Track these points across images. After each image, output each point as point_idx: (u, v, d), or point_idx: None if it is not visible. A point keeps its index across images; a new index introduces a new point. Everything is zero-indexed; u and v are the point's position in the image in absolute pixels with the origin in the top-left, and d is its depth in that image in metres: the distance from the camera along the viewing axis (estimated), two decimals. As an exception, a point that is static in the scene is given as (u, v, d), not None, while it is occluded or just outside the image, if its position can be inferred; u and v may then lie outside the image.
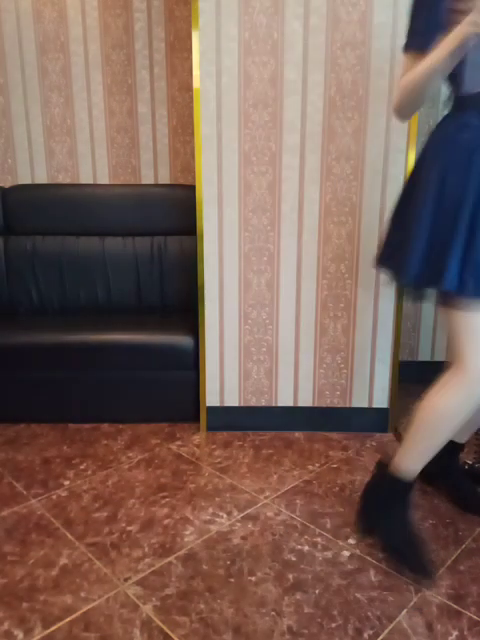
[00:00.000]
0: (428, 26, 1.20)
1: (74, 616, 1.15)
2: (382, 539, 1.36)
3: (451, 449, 1.51)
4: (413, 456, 1.30)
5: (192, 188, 2.13)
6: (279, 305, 1.94)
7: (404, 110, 1.29)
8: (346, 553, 1.36)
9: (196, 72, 1.76)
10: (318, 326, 1.96)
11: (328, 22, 1.73)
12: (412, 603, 1.19)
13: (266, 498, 1.59)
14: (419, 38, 1.22)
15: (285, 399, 2.02)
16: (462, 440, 1.54)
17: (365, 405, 2.02)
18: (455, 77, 1.21)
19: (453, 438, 1.49)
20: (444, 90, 1.30)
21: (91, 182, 2.58)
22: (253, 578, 1.27)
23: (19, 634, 1.11)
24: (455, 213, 1.15)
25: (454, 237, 1.14)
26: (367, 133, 1.79)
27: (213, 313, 1.95)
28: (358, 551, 1.36)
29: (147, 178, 2.58)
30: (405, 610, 1.17)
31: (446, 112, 1.25)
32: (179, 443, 1.94)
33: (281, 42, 1.75)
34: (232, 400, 2.02)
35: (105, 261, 2.38)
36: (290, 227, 1.88)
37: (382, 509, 1.35)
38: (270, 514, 1.52)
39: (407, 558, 1.29)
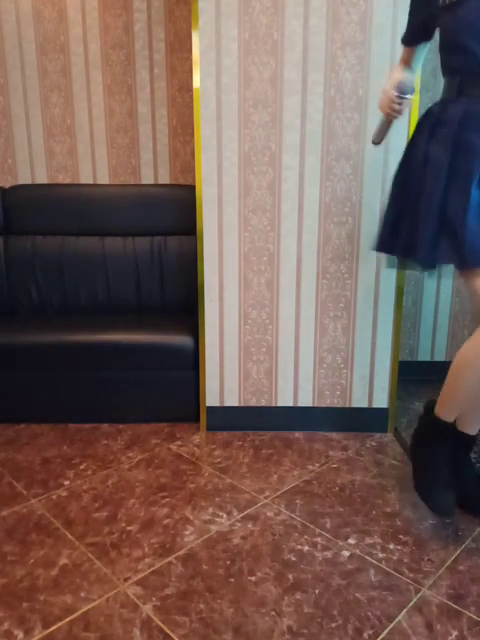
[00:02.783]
0: (415, 23, 1.41)
1: (74, 616, 1.15)
2: (418, 471, 1.48)
3: (460, 440, 1.49)
4: (446, 400, 1.42)
5: (192, 188, 2.14)
6: (279, 305, 1.95)
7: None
8: (346, 553, 1.36)
9: (196, 72, 1.76)
10: (318, 326, 1.96)
11: (328, 22, 1.73)
12: (412, 603, 1.19)
13: (266, 498, 1.59)
14: (407, 34, 1.46)
15: (285, 399, 2.02)
16: (473, 431, 1.51)
17: (365, 405, 2.02)
18: None
19: (463, 428, 1.47)
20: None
21: (91, 182, 2.58)
22: (253, 578, 1.27)
23: (19, 634, 1.11)
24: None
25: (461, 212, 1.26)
26: (367, 133, 1.79)
27: (213, 313, 1.95)
28: (358, 551, 1.36)
29: (147, 178, 2.58)
30: (405, 610, 1.17)
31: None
32: (179, 443, 1.94)
33: (281, 42, 1.75)
34: (232, 400, 2.03)
35: (105, 261, 2.38)
36: (290, 227, 1.88)
37: (424, 446, 1.48)
38: (270, 514, 1.52)
39: (431, 494, 1.42)
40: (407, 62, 1.50)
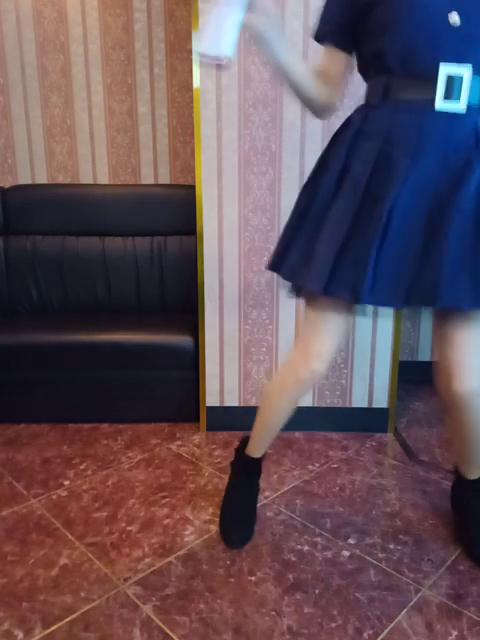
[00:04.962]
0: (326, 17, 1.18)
1: (74, 616, 1.15)
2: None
3: (459, 483, 1.41)
4: (253, 434, 1.43)
5: (192, 188, 2.14)
6: (279, 305, 1.94)
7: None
8: (346, 553, 1.36)
9: (196, 72, 1.76)
10: (318, 326, 1.96)
11: (328, 22, 1.72)
12: (412, 603, 1.19)
13: (266, 498, 1.59)
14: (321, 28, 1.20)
15: (285, 399, 2.02)
16: (469, 475, 1.37)
17: (365, 405, 2.02)
18: None
19: (460, 470, 1.38)
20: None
21: (91, 182, 2.58)
22: (253, 578, 1.27)
23: (19, 634, 1.11)
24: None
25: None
26: (367, 133, 1.79)
27: (213, 313, 1.95)
28: (358, 551, 1.36)
29: (147, 178, 2.58)
30: (405, 610, 1.17)
31: None
32: (179, 443, 1.95)
33: None
34: (232, 400, 2.03)
35: (105, 261, 2.38)
36: (290, 227, 1.87)
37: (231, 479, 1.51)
38: (270, 514, 1.52)
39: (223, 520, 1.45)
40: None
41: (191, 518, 1.50)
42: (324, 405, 2.03)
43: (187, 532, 1.44)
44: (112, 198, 2.37)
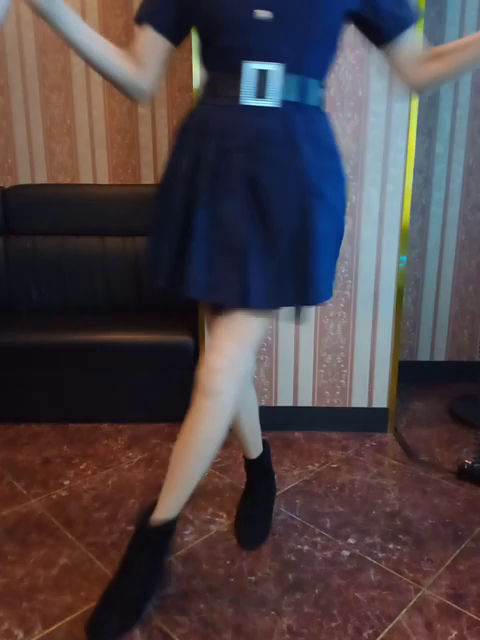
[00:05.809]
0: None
1: (74, 616, 1.15)
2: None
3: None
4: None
5: (192, 188, 2.13)
6: (279, 305, 1.94)
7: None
8: (346, 553, 1.36)
9: (196, 72, 1.76)
10: (318, 326, 1.96)
11: (328, 22, 1.73)
12: (412, 603, 1.19)
13: (266, 498, 1.59)
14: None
15: (285, 399, 2.03)
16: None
17: (365, 405, 2.02)
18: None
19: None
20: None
21: (91, 182, 2.58)
22: (253, 578, 1.27)
23: (19, 634, 1.11)
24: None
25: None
26: (367, 133, 1.80)
27: (213, 313, 1.95)
28: (358, 551, 1.37)
29: (147, 178, 2.58)
30: (405, 610, 1.17)
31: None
32: (179, 443, 1.94)
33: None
34: (232, 400, 2.02)
35: (105, 261, 2.38)
36: (290, 227, 1.87)
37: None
38: (270, 514, 1.52)
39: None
40: None
41: (191, 518, 1.50)
42: (324, 405, 2.03)
43: (187, 532, 1.44)
44: (112, 198, 2.37)
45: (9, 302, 2.41)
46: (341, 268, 1.90)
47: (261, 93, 1.02)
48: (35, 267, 2.39)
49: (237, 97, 1.03)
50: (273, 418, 2.02)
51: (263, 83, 1.02)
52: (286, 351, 1.98)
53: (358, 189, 1.84)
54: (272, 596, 1.21)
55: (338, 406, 2.03)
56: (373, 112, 1.78)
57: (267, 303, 1.04)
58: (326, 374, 2.00)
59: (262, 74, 1.01)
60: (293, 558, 1.34)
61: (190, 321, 2.11)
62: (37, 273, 2.39)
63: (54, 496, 1.61)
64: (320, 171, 1.05)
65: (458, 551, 1.37)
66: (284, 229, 1.03)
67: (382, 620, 1.14)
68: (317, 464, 1.80)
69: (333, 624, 1.13)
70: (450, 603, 1.19)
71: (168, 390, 2.06)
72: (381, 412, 2.02)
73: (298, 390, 2.02)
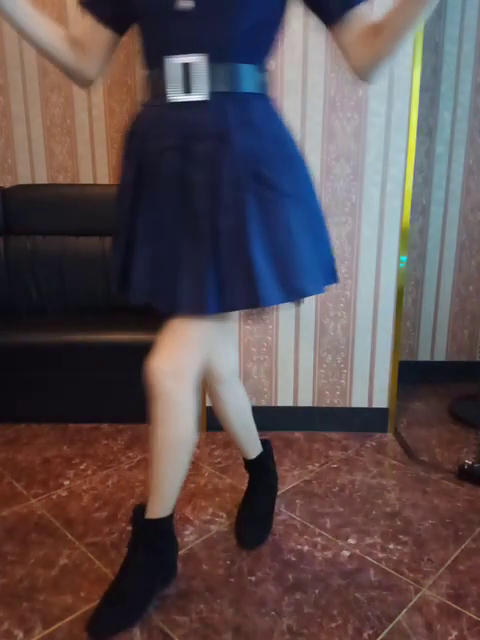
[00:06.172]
0: None
1: (74, 616, 1.15)
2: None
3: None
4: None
5: (192, 188, 2.13)
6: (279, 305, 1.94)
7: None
8: (346, 553, 1.36)
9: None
10: (318, 326, 1.96)
11: (328, 22, 1.72)
12: (412, 603, 1.19)
13: (266, 498, 1.59)
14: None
15: (285, 399, 2.02)
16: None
17: (365, 405, 2.02)
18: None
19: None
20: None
21: (91, 182, 2.58)
22: (253, 578, 1.27)
23: (19, 634, 1.11)
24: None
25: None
26: (367, 133, 1.80)
27: (213, 313, 1.95)
28: (358, 551, 1.36)
29: (147, 178, 2.57)
30: (405, 610, 1.17)
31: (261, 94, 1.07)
32: (179, 443, 1.94)
33: (281, 42, 1.74)
34: (232, 400, 2.02)
35: (105, 261, 2.38)
36: (290, 227, 1.87)
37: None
38: (270, 514, 1.52)
39: None
40: None
41: (191, 518, 1.50)
42: (324, 405, 2.03)
43: (187, 532, 1.44)
44: (112, 198, 2.36)
45: (9, 302, 2.40)
46: (341, 268, 1.90)
47: (187, 88, 0.98)
48: (35, 267, 2.38)
49: (165, 95, 0.99)
50: (273, 418, 2.02)
51: (188, 77, 0.97)
52: (286, 351, 1.98)
53: (358, 189, 1.84)
54: (272, 596, 1.21)
55: (338, 406, 2.03)
56: (373, 112, 1.78)
57: (206, 309, 0.99)
58: (326, 374, 2.00)
59: (185, 68, 0.97)
60: (293, 558, 1.34)
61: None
62: (37, 273, 2.38)
63: (54, 496, 1.61)
64: (263, 159, 0.99)
65: (458, 551, 1.37)
66: (220, 227, 0.97)
67: (382, 620, 1.14)
68: (317, 464, 1.80)
69: (333, 624, 1.13)
70: (450, 603, 1.19)
71: (168, 390, 2.06)
72: (381, 412, 2.02)
73: (298, 390, 2.02)
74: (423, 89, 2.28)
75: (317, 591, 1.23)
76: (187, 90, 0.98)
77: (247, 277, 0.97)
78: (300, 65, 1.76)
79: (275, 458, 1.82)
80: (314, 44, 1.74)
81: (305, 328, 1.96)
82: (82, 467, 1.77)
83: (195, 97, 0.98)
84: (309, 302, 1.93)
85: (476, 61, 2.28)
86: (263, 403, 2.02)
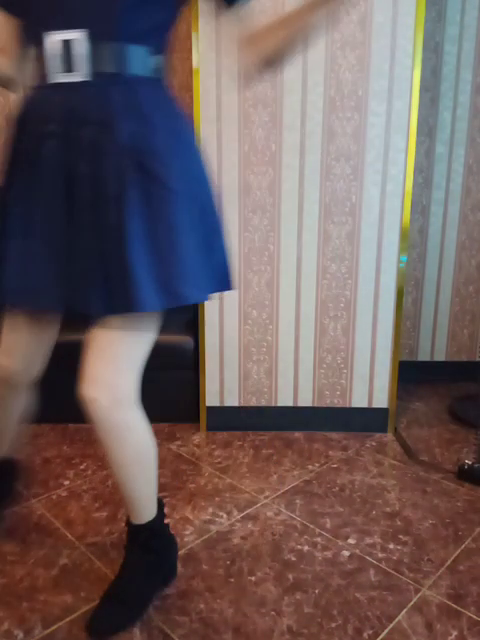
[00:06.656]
0: None
1: (74, 616, 1.15)
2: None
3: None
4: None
5: (192, 188, 2.13)
6: (279, 305, 1.94)
7: None
8: (346, 553, 1.36)
9: (196, 72, 1.76)
10: (318, 326, 1.96)
11: (328, 22, 1.73)
12: (412, 603, 1.19)
13: (266, 498, 1.59)
14: None
15: (285, 399, 2.02)
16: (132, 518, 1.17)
17: (365, 405, 2.02)
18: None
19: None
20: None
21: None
22: (253, 578, 1.27)
23: (19, 634, 1.11)
24: None
25: None
26: (367, 133, 1.80)
27: (213, 313, 1.95)
28: (358, 551, 1.36)
29: (147, 178, 2.57)
30: (405, 610, 1.17)
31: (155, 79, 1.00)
32: (179, 443, 1.94)
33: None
34: (232, 400, 2.03)
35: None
36: (290, 227, 1.88)
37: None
38: (270, 514, 1.52)
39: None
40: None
41: (191, 518, 1.50)
42: (324, 405, 2.03)
43: (187, 532, 1.44)
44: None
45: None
46: (341, 268, 1.91)
47: (68, 67, 0.89)
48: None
49: (46, 75, 0.91)
50: (273, 418, 2.02)
51: (68, 55, 0.88)
52: (286, 351, 1.98)
53: (358, 189, 1.84)
54: (272, 596, 1.21)
55: (338, 406, 2.03)
56: (373, 112, 1.78)
57: (90, 310, 0.93)
58: (326, 374, 2.00)
59: (66, 45, 0.88)
60: (293, 558, 1.34)
61: (190, 321, 2.11)
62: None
63: (54, 496, 1.61)
64: (149, 150, 0.91)
65: (458, 551, 1.37)
66: (101, 223, 0.91)
67: (382, 620, 1.14)
68: (317, 464, 1.80)
69: (333, 624, 1.13)
70: (450, 603, 1.19)
71: (168, 390, 2.06)
72: (381, 412, 2.02)
73: (298, 390, 2.02)
74: (423, 89, 2.28)
75: (317, 591, 1.23)
76: (67, 69, 0.89)
77: (124, 279, 0.90)
78: (300, 65, 1.76)
79: (275, 458, 1.83)
80: (314, 44, 1.74)
81: (305, 328, 1.96)
82: (82, 467, 1.77)
83: (76, 77, 0.90)
84: (309, 302, 1.94)
85: (476, 61, 2.28)
86: (263, 403, 2.02)
